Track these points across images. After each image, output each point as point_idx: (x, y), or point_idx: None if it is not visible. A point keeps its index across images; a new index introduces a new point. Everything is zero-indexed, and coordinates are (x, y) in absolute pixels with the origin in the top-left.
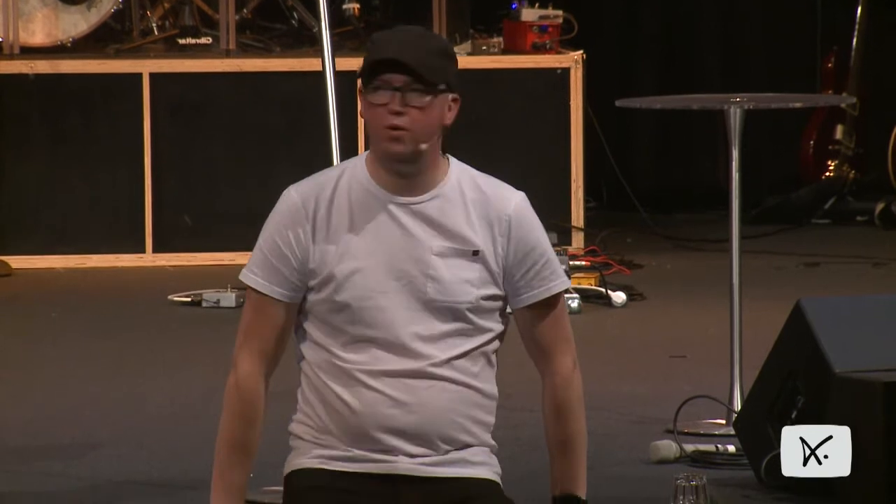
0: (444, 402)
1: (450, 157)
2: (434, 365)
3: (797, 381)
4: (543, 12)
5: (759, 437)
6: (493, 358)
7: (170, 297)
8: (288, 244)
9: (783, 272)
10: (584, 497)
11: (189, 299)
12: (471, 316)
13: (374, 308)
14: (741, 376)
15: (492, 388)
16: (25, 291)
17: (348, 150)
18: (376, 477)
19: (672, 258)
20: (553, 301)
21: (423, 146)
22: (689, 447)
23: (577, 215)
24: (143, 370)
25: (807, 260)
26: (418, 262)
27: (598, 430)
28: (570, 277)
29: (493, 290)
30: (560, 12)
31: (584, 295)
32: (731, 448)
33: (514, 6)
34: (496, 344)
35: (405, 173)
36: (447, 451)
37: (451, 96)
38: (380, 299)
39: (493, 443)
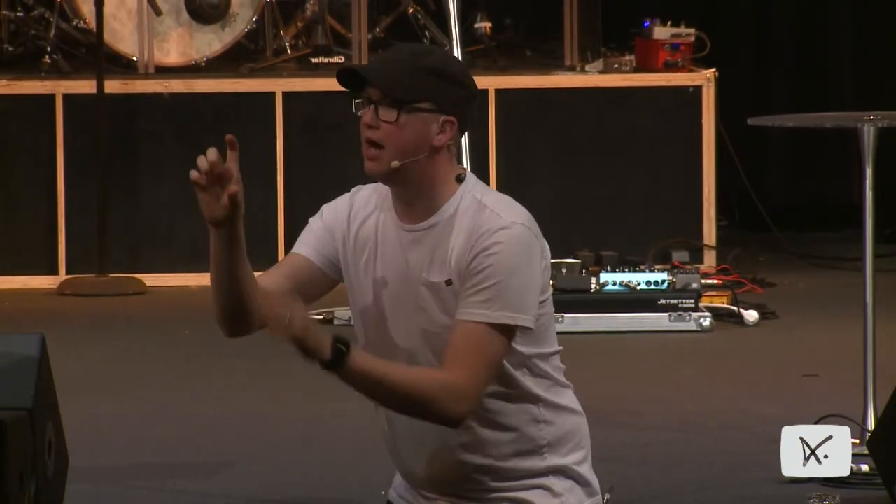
0: (448, 444)
1: (467, 176)
2: None
3: None
4: (675, 30)
5: (893, 456)
6: (523, 381)
7: None
8: (331, 223)
9: None
10: (346, 368)
11: (321, 316)
12: None
13: (380, 333)
14: (875, 396)
15: (510, 420)
16: (159, 309)
17: (479, 167)
18: None
19: (805, 277)
20: (473, 326)
21: (396, 164)
22: None
23: (710, 233)
24: (275, 387)
25: None
26: (413, 292)
27: (730, 448)
28: (700, 297)
29: None
30: (692, 30)
31: (716, 313)
32: (865, 468)
33: (646, 24)
34: (526, 363)
35: (401, 197)
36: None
37: (442, 118)
38: (386, 324)
39: (527, 483)
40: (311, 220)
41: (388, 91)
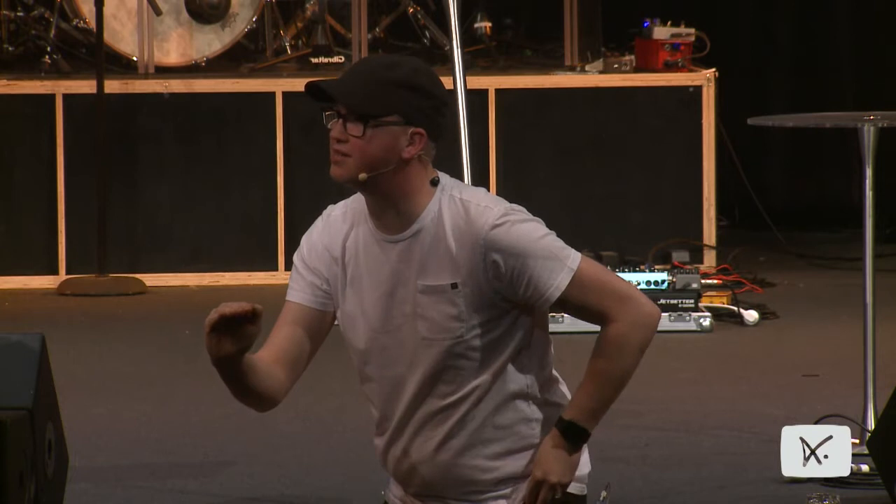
0: (441, 448)
1: (441, 178)
2: (440, 407)
3: None
4: (675, 30)
5: (893, 456)
6: (519, 382)
7: None
8: (315, 261)
9: None
10: (591, 432)
11: None
12: (466, 350)
13: (377, 351)
14: (875, 395)
15: (502, 420)
16: (159, 309)
17: (479, 167)
18: None
19: (805, 277)
20: (571, 290)
21: (363, 176)
22: None
23: (710, 233)
24: None
25: None
26: (409, 302)
27: (731, 448)
28: (700, 297)
29: (490, 314)
30: (692, 30)
31: (717, 313)
32: (865, 467)
33: (645, 24)
34: (518, 366)
35: (375, 208)
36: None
37: (411, 130)
38: (381, 339)
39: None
40: (295, 260)
41: (354, 107)
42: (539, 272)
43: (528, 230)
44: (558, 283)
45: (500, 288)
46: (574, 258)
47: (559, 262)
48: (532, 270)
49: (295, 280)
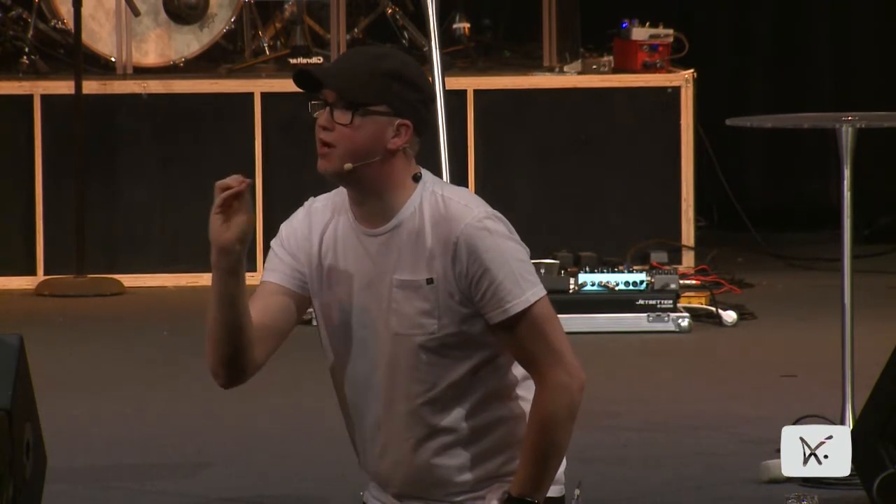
0: (418, 448)
1: (423, 175)
2: (416, 406)
3: None
4: (654, 31)
5: (871, 457)
6: (495, 380)
7: None
8: (293, 246)
9: None
10: (541, 501)
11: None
12: (439, 347)
13: (349, 343)
14: (853, 396)
15: (482, 420)
16: (137, 310)
17: (458, 168)
18: None
19: (783, 277)
20: (518, 319)
21: (349, 166)
22: None
23: (688, 234)
24: (253, 388)
25: None
26: (384, 296)
27: (708, 449)
28: (678, 297)
29: (462, 312)
30: (671, 31)
31: (695, 314)
32: None
33: (624, 25)
34: (493, 365)
35: (357, 199)
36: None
37: (397, 121)
38: (354, 333)
39: (491, 480)
40: (273, 244)
41: (343, 94)
42: (497, 289)
43: (506, 247)
44: (509, 307)
45: (462, 288)
46: (535, 293)
47: (520, 289)
48: (491, 284)
49: (272, 262)
